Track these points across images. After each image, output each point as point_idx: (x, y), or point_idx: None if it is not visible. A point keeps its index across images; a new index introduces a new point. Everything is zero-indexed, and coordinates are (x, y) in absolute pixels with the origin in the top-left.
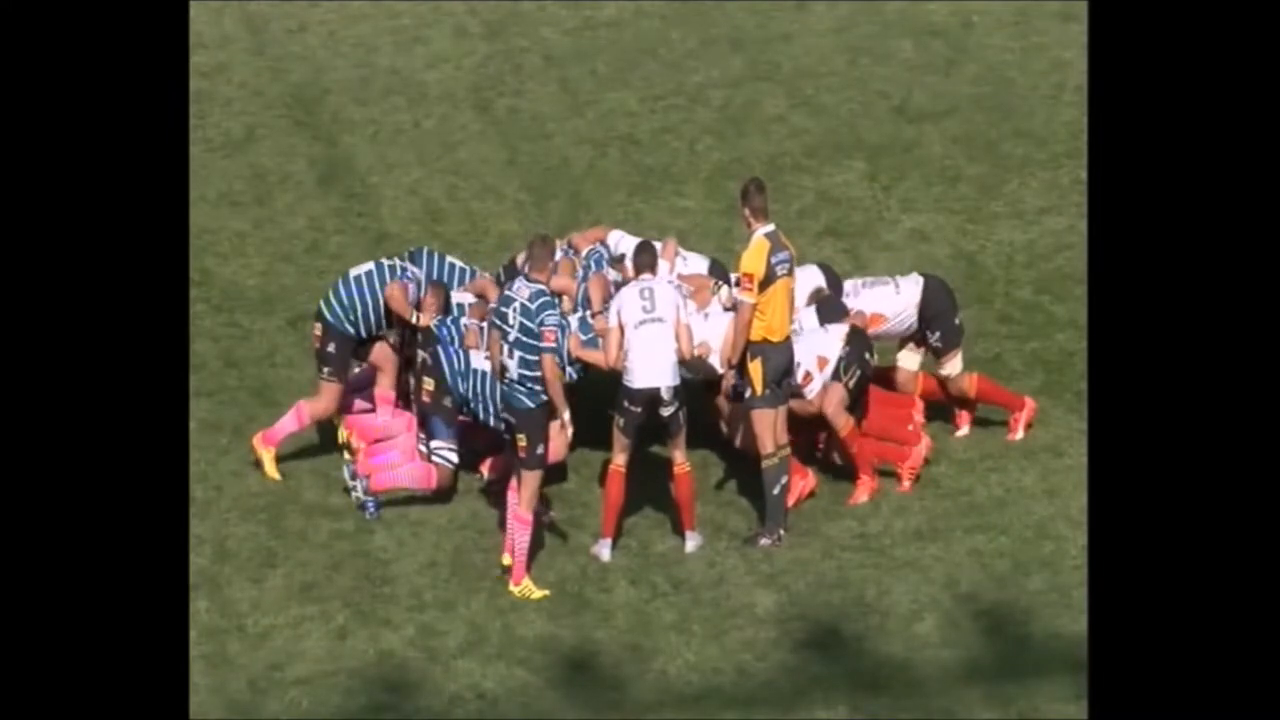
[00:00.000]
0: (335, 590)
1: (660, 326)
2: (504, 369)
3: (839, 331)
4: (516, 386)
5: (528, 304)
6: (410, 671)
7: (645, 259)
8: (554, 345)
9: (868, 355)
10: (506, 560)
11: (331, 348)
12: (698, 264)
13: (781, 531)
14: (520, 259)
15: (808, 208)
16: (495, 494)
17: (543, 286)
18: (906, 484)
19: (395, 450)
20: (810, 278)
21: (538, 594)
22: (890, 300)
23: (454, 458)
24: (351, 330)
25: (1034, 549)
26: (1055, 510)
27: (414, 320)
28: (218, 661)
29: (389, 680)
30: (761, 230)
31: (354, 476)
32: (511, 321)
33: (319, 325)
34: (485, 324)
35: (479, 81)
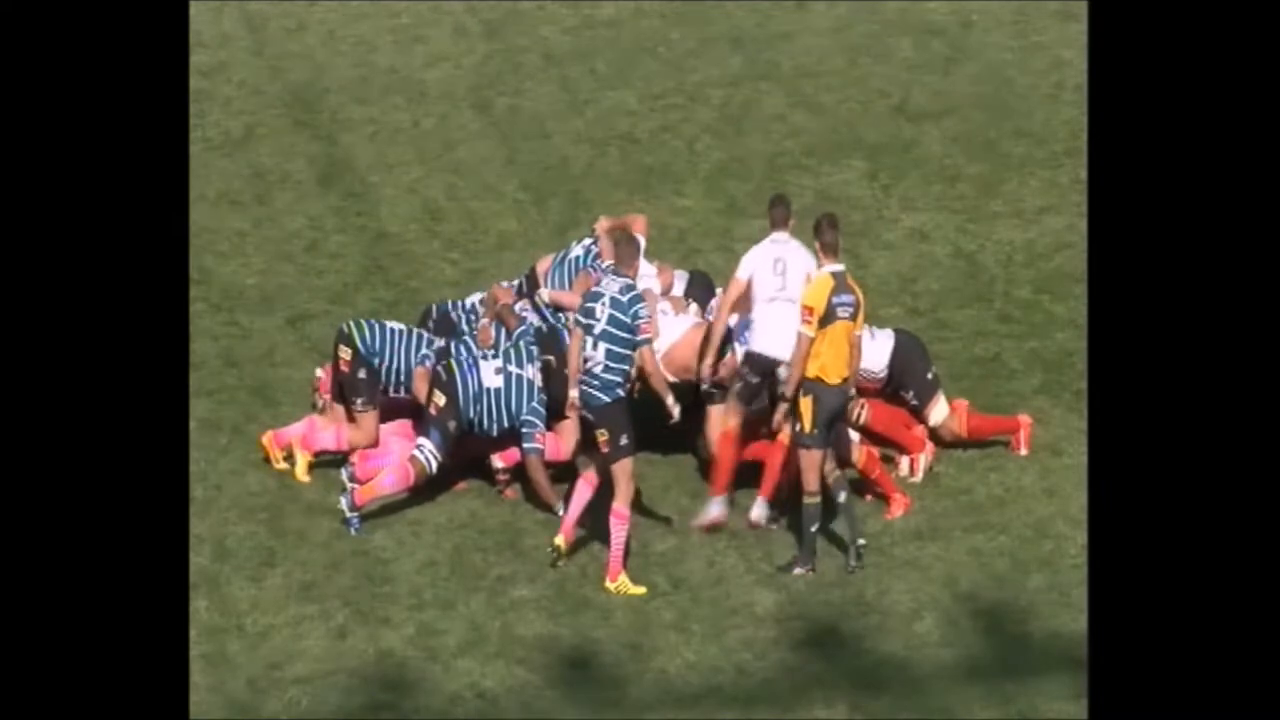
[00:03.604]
0: (335, 590)
1: (790, 306)
2: (586, 362)
3: None
4: (595, 381)
5: (618, 297)
6: (410, 671)
7: (780, 212)
8: (650, 336)
9: None
10: (560, 541)
11: (362, 374)
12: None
13: (814, 565)
14: (541, 267)
15: (808, 208)
16: (503, 483)
17: (631, 281)
18: (919, 476)
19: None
20: (805, 262)
21: (634, 590)
22: (865, 343)
23: (434, 463)
24: (379, 370)
25: (1034, 548)
26: (1055, 510)
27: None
28: (218, 661)
29: (389, 679)
30: (829, 268)
31: (351, 480)
32: (599, 315)
33: (348, 351)
34: (495, 321)
35: (479, 81)
